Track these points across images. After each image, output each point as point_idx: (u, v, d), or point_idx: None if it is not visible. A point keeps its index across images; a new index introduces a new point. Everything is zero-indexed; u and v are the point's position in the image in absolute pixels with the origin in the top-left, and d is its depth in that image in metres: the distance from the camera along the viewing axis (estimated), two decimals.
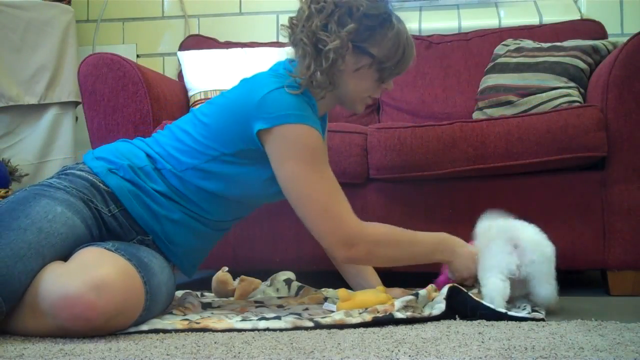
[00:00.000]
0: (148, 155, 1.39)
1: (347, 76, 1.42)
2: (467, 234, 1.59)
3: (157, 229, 1.37)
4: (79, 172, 1.34)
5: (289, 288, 1.67)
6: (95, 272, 1.13)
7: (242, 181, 1.39)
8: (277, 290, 1.68)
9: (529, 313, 1.30)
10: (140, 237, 1.37)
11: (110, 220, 1.32)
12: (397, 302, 1.32)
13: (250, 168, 1.37)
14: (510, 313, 1.29)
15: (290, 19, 1.42)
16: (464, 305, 1.32)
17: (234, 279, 1.70)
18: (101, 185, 1.33)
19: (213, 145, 1.36)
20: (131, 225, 1.35)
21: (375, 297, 1.39)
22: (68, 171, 1.36)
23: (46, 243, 1.18)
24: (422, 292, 1.38)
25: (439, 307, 1.31)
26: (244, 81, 1.42)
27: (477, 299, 1.34)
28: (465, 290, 1.36)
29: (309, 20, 1.37)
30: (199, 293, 1.67)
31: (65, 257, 1.21)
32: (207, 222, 1.43)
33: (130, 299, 1.17)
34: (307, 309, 1.45)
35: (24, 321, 1.16)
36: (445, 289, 1.35)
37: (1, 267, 1.11)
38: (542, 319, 1.27)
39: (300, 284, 1.67)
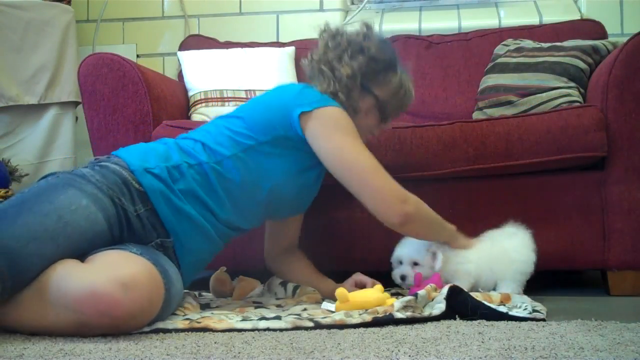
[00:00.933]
0: (182, 152, 1.43)
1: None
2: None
3: (179, 231, 1.38)
4: (113, 166, 1.35)
5: (285, 290, 1.66)
6: (124, 270, 1.14)
7: (273, 170, 1.48)
8: (275, 294, 1.67)
9: (529, 313, 1.30)
10: (160, 240, 1.36)
11: (135, 220, 1.33)
12: (397, 302, 1.32)
13: (283, 159, 1.49)
14: (510, 313, 1.29)
15: (311, 54, 1.60)
16: (464, 305, 1.32)
17: (233, 279, 1.70)
18: (133, 182, 1.34)
19: (250, 134, 1.47)
20: (154, 226, 1.35)
21: (375, 298, 1.39)
22: (102, 163, 1.36)
23: (62, 232, 1.19)
24: (422, 292, 1.38)
25: (439, 307, 1.30)
26: (273, 89, 1.59)
27: (477, 299, 1.34)
28: (466, 290, 1.36)
29: (325, 54, 1.57)
30: (196, 293, 1.67)
31: (80, 252, 1.22)
32: (216, 224, 1.44)
33: (153, 301, 1.18)
34: (305, 309, 1.44)
35: (42, 316, 1.15)
36: (445, 289, 1.35)
37: (13, 243, 1.12)
38: (543, 319, 1.28)
39: (295, 284, 1.66)
